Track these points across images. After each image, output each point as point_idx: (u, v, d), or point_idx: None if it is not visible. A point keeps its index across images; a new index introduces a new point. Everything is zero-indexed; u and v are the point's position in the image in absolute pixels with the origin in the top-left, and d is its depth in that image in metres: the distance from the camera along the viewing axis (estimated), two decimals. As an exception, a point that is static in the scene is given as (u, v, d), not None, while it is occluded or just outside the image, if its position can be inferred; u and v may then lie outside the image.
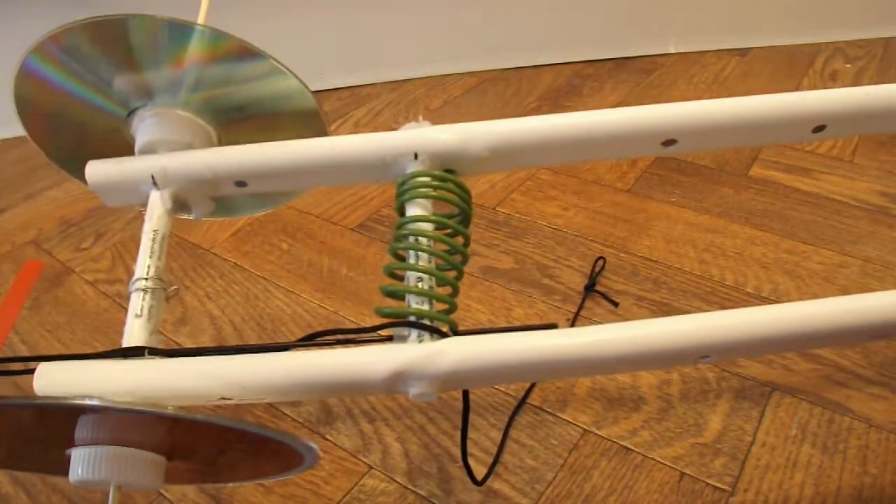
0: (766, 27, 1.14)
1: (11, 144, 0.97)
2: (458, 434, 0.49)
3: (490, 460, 0.49)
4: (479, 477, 0.46)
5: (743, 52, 1.13)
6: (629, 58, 1.13)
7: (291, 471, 0.38)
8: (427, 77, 1.10)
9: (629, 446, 0.50)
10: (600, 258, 0.67)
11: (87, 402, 0.30)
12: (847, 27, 1.15)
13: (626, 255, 0.68)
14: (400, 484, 0.48)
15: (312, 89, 0.43)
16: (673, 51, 1.14)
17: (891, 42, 1.14)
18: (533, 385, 0.54)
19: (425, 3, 1.07)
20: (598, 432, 0.51)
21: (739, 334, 0.33)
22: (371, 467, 0.49)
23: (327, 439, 0.51)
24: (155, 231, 0.39)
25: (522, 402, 0.53)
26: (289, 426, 0.52)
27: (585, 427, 0.51)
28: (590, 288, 0.63)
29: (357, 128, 0.96)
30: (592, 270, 0.65)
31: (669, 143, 0.40)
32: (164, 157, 0.41)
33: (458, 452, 0.50)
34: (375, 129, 0.94)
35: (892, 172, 0.79)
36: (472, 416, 0.52)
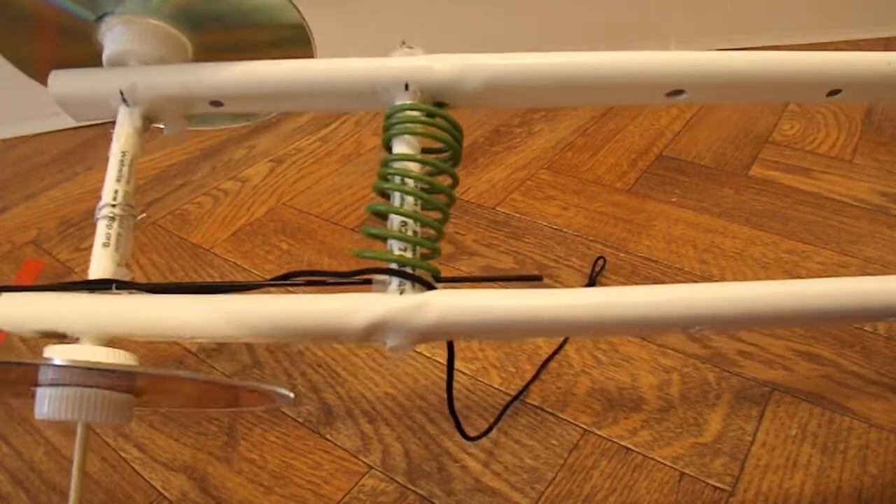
0: (767, 27, 1.14)
1: (11, 144, 0.97)
2: (458, 435, 0.49)
3: (487, 458, 0.49)
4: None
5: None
6: (629, 58, 1.13)
7: (262, 406, 0.36)
8: (427, 77, 1.10)
9: (629, 446, 0.50)
10: (600, 258, 0.67)
11: (53, 362, 0.29)
12: (847, 27, 1.15)
13: (625, 255, 0.68)
14: (400, 484, 0.48)
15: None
16: (673, 50, 1.14)
17: (891, 42, 1.14)
18: (531, 382, 0.54)
19: (425, 2, 1.07)
20: (598, 432, 0.51)
21: (728, 307, 0.33)
22: (371, 467, 0.49)
23: (327, 439, 0.51)
24: (123, 153, 0.36)
25: (520, 394, 0.53)
26: (288, 426, 0.52)
27: (585, 427, 0.51)
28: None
29: (358, 126, 0.96)
30: (592, 270, 0.65)
31: (676, 93, 0.38)
32: (134, 71, 0.38)
33: (457, 452, 0.50)
34: (378, 128, 0.94)
35: (892, 172, 0.79)
36: (470, 415, 0.52)
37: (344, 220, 0.76)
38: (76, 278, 0.70)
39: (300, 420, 0.53)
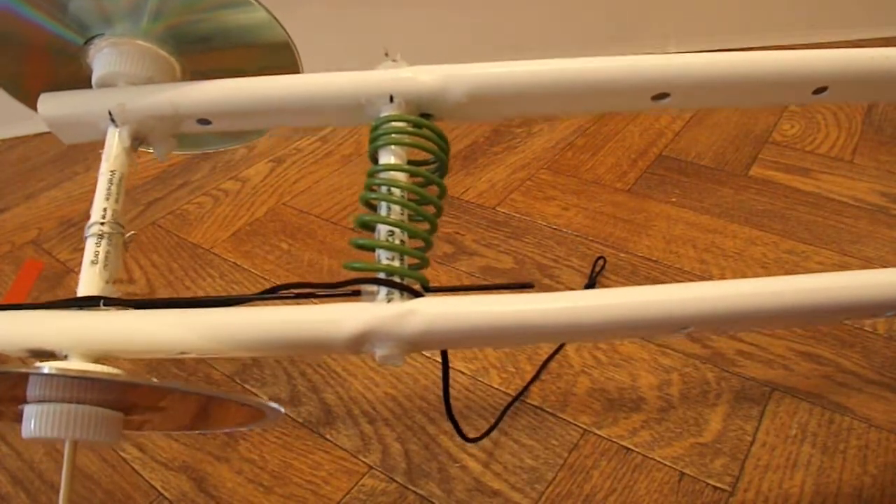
0: (766, 27, 1.14)
1: (11, 144, 0.97)
2: (458, 436, 0.49)
3: (487, 458, 0.49)
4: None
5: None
6: (629, 58, 1.13)
7: (254, 424, 0.37)
8: (427, 77, 1.10)
9: (629, 446, 0.50)
10: (600, 258, 0.67)
11: (42, 371, 0.29)
12: (847, 27, 1.15)
13: (625, 255, 0.68)
14: (400, 484, 0.48)
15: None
16: (673, 51, 1.14)
17: (891, 42, 1.14)
18: (531, 382, 0.54)
19: (427, 2, 1.07)
20: (598, 432, 0.51)
21: (724, 306, 0.33)
22: (371, 467, 0.49)
23: (327, 439, 0.51)
24: (112, 172, 0.37)
25: (521, 395, 0.53)
26: (288, 426, 0.52)
27: (585, 427, 0.51)
28: (590, 288, 0.63)
29: (358, 127, 0.96)
30: (592, 270, 0.65)
31: (661, 97, 0.38)
32: (122, 91, 0.38)
33: (457, 452, 0.50)
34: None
35: (892, 172, 0.79)
36: (470, 415, 0.52)
37: (344, 220, 0.76)
38: (76, 278, 0.70)
39: (300, 420, 0.53)
